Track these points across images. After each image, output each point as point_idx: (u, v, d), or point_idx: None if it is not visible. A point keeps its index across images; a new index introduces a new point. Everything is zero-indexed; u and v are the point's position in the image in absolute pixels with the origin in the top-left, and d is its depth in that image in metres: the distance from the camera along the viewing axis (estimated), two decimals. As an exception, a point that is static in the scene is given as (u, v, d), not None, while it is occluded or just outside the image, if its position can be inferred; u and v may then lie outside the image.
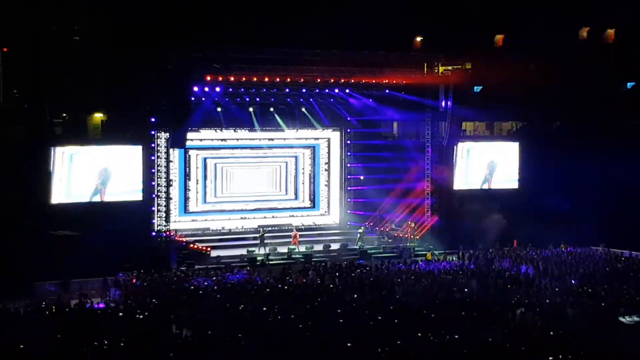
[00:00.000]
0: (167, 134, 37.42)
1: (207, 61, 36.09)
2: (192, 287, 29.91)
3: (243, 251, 38.35)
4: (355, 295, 28.53)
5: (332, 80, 39.41)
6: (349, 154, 44.62)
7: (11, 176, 33.67)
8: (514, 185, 44.20)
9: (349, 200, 44.78)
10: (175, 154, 39.44)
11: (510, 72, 40.38)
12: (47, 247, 32.46)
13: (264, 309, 25.52)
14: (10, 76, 36.42)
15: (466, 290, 29.56)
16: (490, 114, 45.25)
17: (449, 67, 41.26)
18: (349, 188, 44.79)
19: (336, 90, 40.58)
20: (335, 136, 44.40)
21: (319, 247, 40.02)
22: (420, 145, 43.25)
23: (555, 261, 36.04)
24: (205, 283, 30.86)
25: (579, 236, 40.42)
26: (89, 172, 35.70)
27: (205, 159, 41.82)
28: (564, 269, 34.22)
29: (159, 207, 37.52)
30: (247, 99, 40.48)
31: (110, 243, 33.06)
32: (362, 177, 44.44)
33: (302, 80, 38.77)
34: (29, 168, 34.38)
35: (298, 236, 40.39)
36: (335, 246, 40.48)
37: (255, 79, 37.49)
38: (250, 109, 41.22)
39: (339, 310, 25.38)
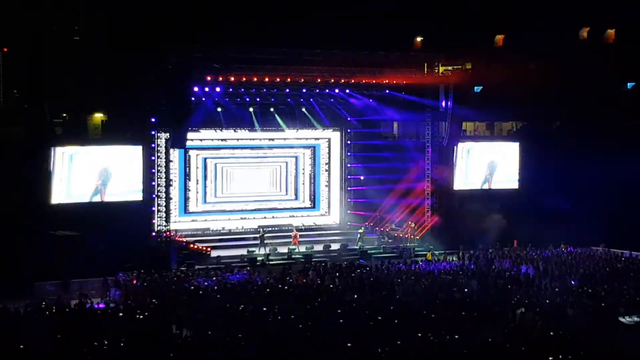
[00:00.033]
0: (167, 134, 37.45)
1: (207, 61, 36.11)
2: (192, 287, 29.90)
3: (243, 251, 38.35)
4: (356, 296, 28.52)
5: (332, 81, 39.43)
6: (349, 154, 44.62)
7: (11, 176, 33.67)
8: (514, 185, 44.19)
9: (349, 200, 44.77)
10: (175, 154, 39.44)
11: (510, 72, 40.35)
12: (47, 247, 32.47)
13: (264, 309, 25.50)
14: (10, 76, 36.40)
15: (466, 290, 29.55)
16: (491, 114, 45.24)
17: (449, 67, 41.27)
18: (349, 188, 44.79)
19: (336, 91, 40.60)
20: (335, 136, 44.39)
21: (319, 247, 40.01)
22: (420, 146, 43.25)
23: (556, 261, 36.04)
24: (206, 283, 30.85)
25: (579, 236, 40.39)
26: (89, 172, 35.70)
27: (205, 159, 41.81)
28: (564, 269, 34.21)
29: (159, 207, 37.54)
30: (247, 99, 40.48)
31: (110, 243, 33.09)
32: (362, 177, 44.44)
33: (302, 80, 38.79)
34: (29, 168, 34.38)
35: (298, 236, 40.38)
36: (335, 246, 40.48)
37: (255, 79, 37.52)
38: (251, 109, 41.22)
39: (339, 311, 25.36)
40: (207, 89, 37.20)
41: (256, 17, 37.79)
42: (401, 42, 40.75)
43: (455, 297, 28.37)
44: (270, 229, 41.58)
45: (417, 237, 41.69)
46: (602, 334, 23.35)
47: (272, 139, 43.05)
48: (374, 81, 40.14)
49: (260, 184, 43.24)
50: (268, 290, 29.43)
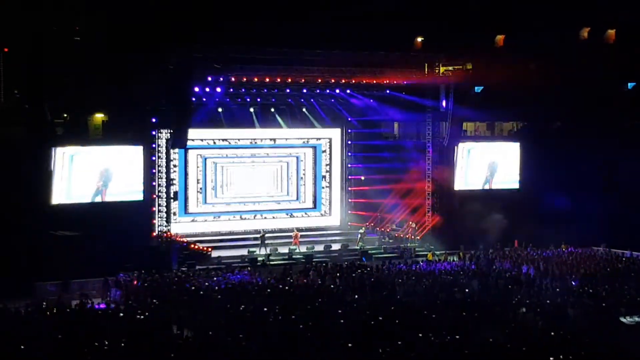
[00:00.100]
0: (168, 135, 37.46)
1: (207, 61, 36.10)
2: (193, 288, 29.88)
3: (244, 251, 38.34)
4: (356, 296, 28.52)
5: (332, 81, 39.48)
6: (349, 154, 44.63)
7: (11, 176, 33.63)
8: (515, 185, 44.19)
9: (349, 200, 44.78)
10: (176, 154, 39.41)
11: (511, 72, 40.33)
12: (48, 247, 32.51)
13: (265, 309, 25.49)
14: (10, 76, 36.36)
15: (467, 290, 29.53)
16: (491, 114, 45.20)
17: (450, 68, 41.28)
18: (349, 188, 44.80)
19: (337, 91, 40.64)
20: (336, 136, 44.39)
21: (319, 248, 40.01)
22: (421, 146, 43.26)
23: (556, 261, 36.02)
24: (206, 283, 30.83)
25: (579, 236, 40.38)
26: (89, 173, 35.67)
27: (205, 159, 41.81)
28: (565, 269, 34.21)
29: (159, 208, 37.52)
30: (248, 99, 40.51)
31: (110, 243, 33.09)
32: (363, 178, 44.44)
33: (303, 80, 38.83)
34: (29, 168, 34.35)
35: (299, 236, 40.38)
36: (336, 246, 40.48)
37: (256, 79, 37.53)
38: (251, 109, 41.23)
39: (339, 311, 25.35)
40: (207, 89, 37.22)
41: (256, 17, 37.72)
42: (401, 42, 40.72)
43: (456, 298, 28.37)
44: (270, 229, 41.57)
45: (418, 238, 41.70)
46: (603, 334, 23.34)
47: (273, 140, 43.04)
48: (374, 81, 40.18)
49: (261, 184, 43.23)
50: (269, 290, 29.41)
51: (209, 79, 36.59)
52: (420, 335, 22.16)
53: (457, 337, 21.94)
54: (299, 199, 44.10)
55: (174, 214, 39.62)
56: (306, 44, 37.54)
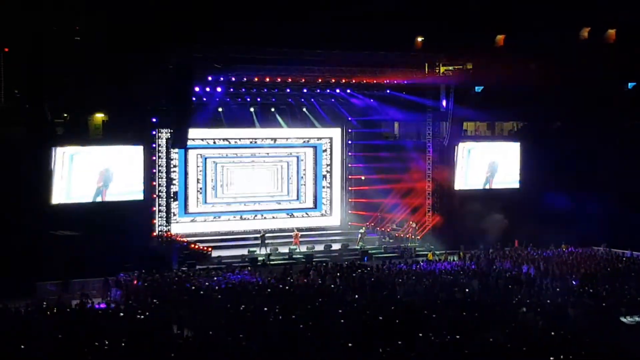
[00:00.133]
0: (168, 134, 37.45)
1: (207, 61, 36.09)
2: (193, 288, 29.87)
3: (244, 251, 38.35)
4: (357, 296, 28.51)
5: (333, 81, 39.47)
6: (350, 154, 44.63)
7: (11, 176, 33.63)
8: (515, 185, 44.21)
9: (350, 200, 44.78)
10: (176, 154, 39.41)
11: (511, 72, 40.33)
12: (48, 247, 32.50)
13: (265, 309, 25.48)
14: (11, 76, 36.36)
15: (467, 290, 29.52)
16: (491, 114, 45.20)
17: (450, 67, 41.30)
18: (350, 188, 44.80)
19: (337, 91, 40.64)
20: (336, 136, 44.40)
21: (320, 247, 40.02)
22: (421, 146, 43.27)
23: (557, 261, 36.02)
24: (207, 283, 30.82)
25: (580, 236, 40.38)
26: (89, 172, 35.68)
27: (206, 159, 41.80)
28: (565, 269, 34.21)
29: (159, 207, 37.51)
30: (248, 99, 40.51)
31: (111, 243, 33.08)
32: (363, 177, 44.44)
33: (303, 80, 38.81)
34: (29, 168, 34.35)
35: (299, 236, 40.37)
36: (336, 246, 40.48)
37: (256, 79, 37.53)
38: (252, 109, 41.23)
39: (340, 311, 25.34)
40: (208, 89, 37.22)
41: (256, 17, 37.72)
42: (402, 42, 40.70)
43: (456, 297, 28.35)
44: (271, 229, 41.56)
45: (418, 237, 41.72)
46: (604, 334, 23.34)
47: (274, 139, 43.04)
48: (374, 81, 40.19)
49: (262, 184, 43.24)
50: (269, 290, 29.41)
51: (209, 78, 36.61)
52: (421, 335, 22.15)
53: (458, 336, 21.93)
54: (299, 199, 44.10)
55: (174, 214, 39.60)
56: (306, 44, 37.52)
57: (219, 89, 37.33)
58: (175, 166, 39.36)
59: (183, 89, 35.37)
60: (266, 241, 39.05)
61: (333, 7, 38.75)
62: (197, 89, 36.56)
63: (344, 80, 39.61)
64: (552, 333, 22.84)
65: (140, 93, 36.17)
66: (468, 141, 43.94)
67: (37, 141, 35.00)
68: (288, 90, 39.69)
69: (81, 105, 37.19)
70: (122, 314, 25.60)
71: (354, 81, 39.84)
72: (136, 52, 35.20)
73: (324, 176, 44.53)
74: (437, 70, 41.10)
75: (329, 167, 44.54)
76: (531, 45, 42.23)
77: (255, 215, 42.95)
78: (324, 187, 44.58)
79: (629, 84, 45.24)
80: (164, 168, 37.81)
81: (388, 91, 41.32)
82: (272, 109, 41.93)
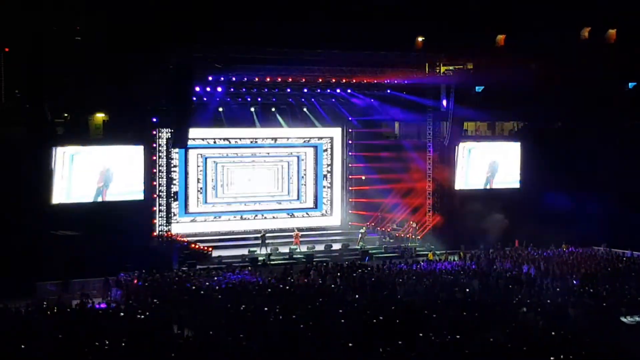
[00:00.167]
0: (169, 134, 37.46)
1: (207, 61, 36.09)
2: (193, 287, 29.87)
3: (244, 251, 38.33)
4: (357, 296, 28.50)
5: (333, 80, 39.45)
6: (350, 154, 44.64)
7: (11, 176, 33.63)
8: (516, 185, 44.19)
9: (350, 200, 44.78)
10: (176, 154, 39.40)
11: (511, 72, 40.36)
12: (48, 247, 32.49)
13: (266, 309, 25.48)
14: (11, 76, 36.38)
15: (468, 290, 29.52)
16: (492, 114, 45.18)
17: (450, 67, 41.26)
18: (350, 188, 44.80)
19: (337, 90, 40.63)
20: (337, 136, 44.40)
21: (320, 247, 40.00)
22: (421, 145, 43.25)
23: (557, 261, 36.00)
24: (207, 283, 30.82)
25: (580, 236, 40.37)
26: (89, 172, 35.67)
27: (206, 158, 41.81)
28: (566, 269, 34.19)
29: (160, 207, 37.51)
30: (249, 99, 40.51)
31: (111, 243, 33.07)
32: (363, 177, 44.45)
33: (304, 80, 38.80)
34: (29, 168, 34.35)
35: (300, 236, 40.37)
36: (336, 246, 40.47)
37: (256, 79, 37.52)
38: (252, 109, 41.23)
39: (340, 311, 25.34)
40: (208, 89, 37.22)
41: (256, 17, 37.74)
42: (402, 42, 40.73)
43: (456, 297, 28.33)
44: (271, 228, 41.55)
45: (419, 237, 41.70)
46: (604, 334, 23.33)
47: (274, 139, 43.04)
48: (375, 81, 40.17)
49: (262, 184, 43.23)
50: (269, 290, 29.40)
51: (210, 78, 36.60)
52: (421, 334, 22.15)
53: (458, 336, 21.93)
54: (299, 199, 44.10)
55: (174, 214, 39.60)
56: (306, 44, 37.53)
57: (219, 89, 37.32)
58: (175, 166, 39.28)
59: (183, 89, 35.37)
60: (266, 241, 39.04)
61: (333, 7, 38.79)
62: (197, 88, 36.56)
63: (344, 80, 39.60)
64: (553, 333, 22.83)
65: (140, 93, 36.18)
66: (468, 141, 43.92)
67: (38, 141, 35.00)
68: (288, 90, 39.69)
69: (81, 105, 37.22)
70: (122, 314, 25.59)
71: (354, 81, 39.83)
72: (136, 52, 35.22)
73: (325, 176, 44.55)
74: (437, 70, 41.07)
75: (329, 167, 44.55)
76: (531, 45, 42.27)
77: (256, 215, 42.96)
78: (324, 187, 44.59)
79: (629, 84, 45.29)
80: (164, 168, 37.80)
81: (388, 91, 41.32)
82: (273, 109, 41.94)
